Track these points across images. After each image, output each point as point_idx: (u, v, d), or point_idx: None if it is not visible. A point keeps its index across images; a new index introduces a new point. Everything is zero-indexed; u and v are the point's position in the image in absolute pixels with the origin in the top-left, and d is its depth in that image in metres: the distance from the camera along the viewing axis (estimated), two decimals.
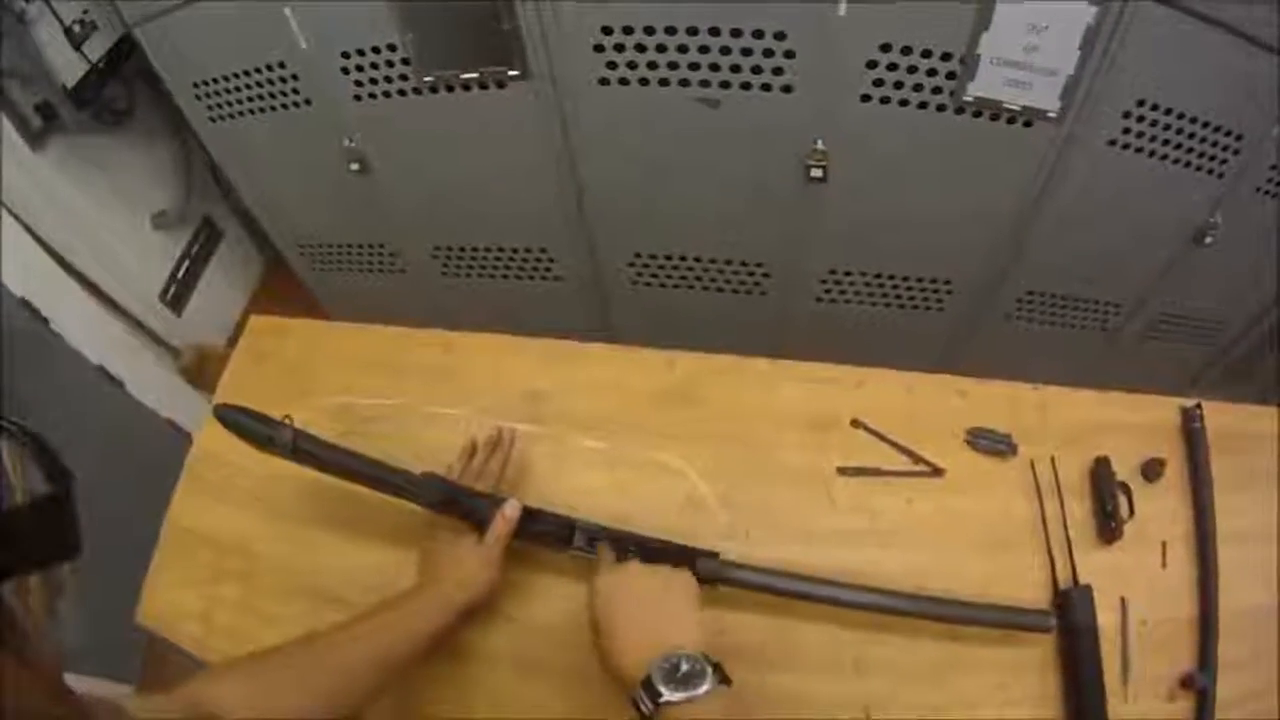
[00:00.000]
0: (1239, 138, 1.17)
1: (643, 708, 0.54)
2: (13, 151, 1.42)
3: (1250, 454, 0.88)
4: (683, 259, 1.43)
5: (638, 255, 1.44)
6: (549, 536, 0.71)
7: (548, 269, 1.51)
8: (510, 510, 0.70)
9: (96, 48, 1.44)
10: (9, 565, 0.32)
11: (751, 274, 1.43)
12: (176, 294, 1.82)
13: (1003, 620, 0.73)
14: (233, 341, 1.00)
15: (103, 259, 1.60)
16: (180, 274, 1.83)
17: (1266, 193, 1.27)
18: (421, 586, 0.71)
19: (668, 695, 0.53)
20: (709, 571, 0.70)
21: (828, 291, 1.44)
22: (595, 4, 1.03)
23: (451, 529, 0.72)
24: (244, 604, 0.80)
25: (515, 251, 1.50)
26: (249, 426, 0.68)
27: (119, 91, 1.57)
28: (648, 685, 0.54)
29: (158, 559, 0.85)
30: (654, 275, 1.47)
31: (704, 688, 0.54)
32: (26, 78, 1.38)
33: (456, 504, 0.71)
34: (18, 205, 1.40)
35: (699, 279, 1.46)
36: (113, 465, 1.18)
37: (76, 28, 1.39)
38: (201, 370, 1.74)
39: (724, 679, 0.56)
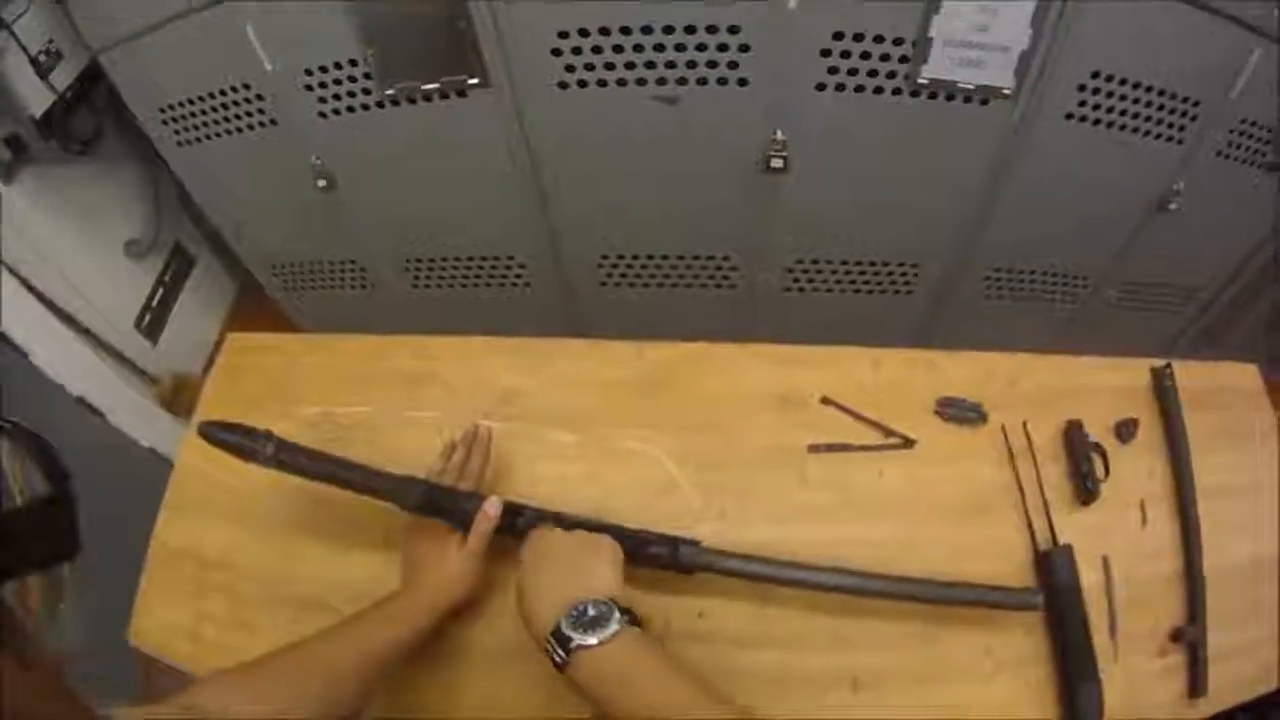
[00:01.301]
0: (1196, 104, 1.22)
1: (555, 658, 0.57)
2: None
3: (1226, 410, 0.92)
4: (650, 257, 1.46)
5: (605, 256, 1.48)
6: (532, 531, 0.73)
7: (517, 276, 1.55)
8: (491, 508, 0.72)
9: (63, 77, 1.46)
10: (9, 565, 0.34)
11: (719, 267, 1.46)
12: (152, 322, 1.84)
13: (989, 600, 0.75)
14: (209, 367, 1.03)
15: (77, 290, 1.62)
16: (154, 302, 1.86)
17: (1227, 156, 1.31)
18: (406, 588, 0.73)
19: (577, 640, 0.56)
20: (691, 558, 0.72)
21: (795, 280, 1.48)
22: (549, 7, 1.06)
23: (434, 529, 0.74)
24: (232, 617, 0.82)
25: (484, 260, 1.53)
26: (231, 440, 0.70)
27: (87, 120, 1.59)
28: (557, 634, 0.57)
29: (145, 579, 0.86)
30: (622, 275, 1.51)
31: (611, 629, 0.56)
32: None
33: (438, 505, 0.74)
34: None
35: (667, 276, 1.49)
36: (97, 497, 1.20)
37: (42, 57, 1.41)
38: (179, 398, 1.76)
39: (634, 621, 0.58)
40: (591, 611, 0.58)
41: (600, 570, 0.64)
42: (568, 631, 0.57)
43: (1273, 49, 1.16)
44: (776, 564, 0.74)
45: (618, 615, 0.57)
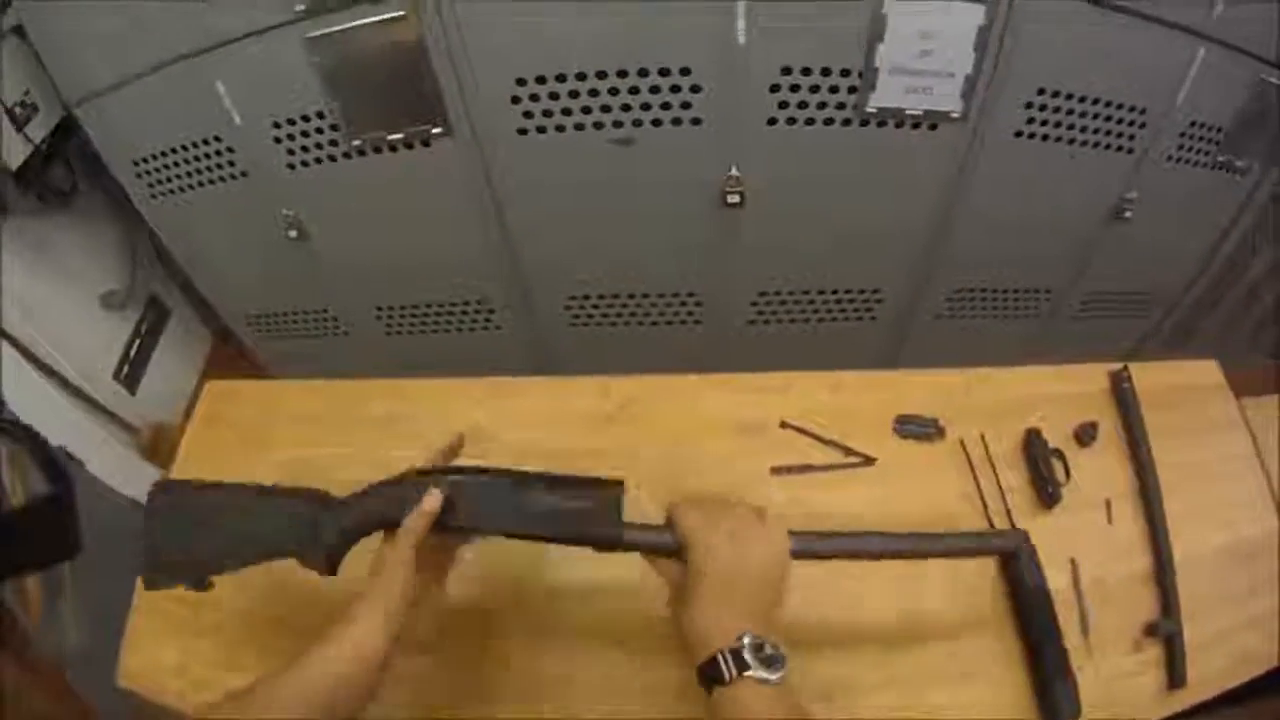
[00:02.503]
0: (1143, 111, 1.30)
1: (726, 672, 0.58)
2: None
3: (1188, 406, 0.99)
4: (615, 296, 1.53)
5: (572, 297, 1.55)
6: (473, 529, 0.70)
7: (487, 319, 1.62)
8: (429, 503, 0.67)
9: (39, 129, 1.49)
10: (9, 565, 0.36)
11: (684, 304, 1.54)
12: (130, 373, 1.88)
13: (975, 548, 0.79)
14: (188, 417, 1.08)
15: (56, 341, 1.66)
16: (132, 353, 1.90)
17: (1178, 160, 1.39)
18: (357, 600, 0.66)
19: (754, 671, 0.58)
20: (616, 505, 0.67)
21: (760, 313, 1.55)
22: (507, 55, 1.14)
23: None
24: (220, 656, 0.86)
25: (454, 305, 1.60)
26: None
27: (62, 172, 1.63)
28: (736, 655, 0.58)
29: (132, 621, 0.90)
30: (589, 315, 1.58)
31: (783, 672, 0.58)
32: None
33: (358, 531, 0.69)
34: None
35: (633, 314, 1.56)
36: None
37: (18, 109, 1.43)
38: (158, 447, 1.80)
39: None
40: (769, 650, 0.59)
41: (780, 608, 0.66)
42: (749, 660, 0.58)
43: (1215, 49, 1.23)
44: None
45: (786, 663, 0.59)
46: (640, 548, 0.69)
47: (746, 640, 0.59)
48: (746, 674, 0.58)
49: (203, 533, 0.71)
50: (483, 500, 0.70)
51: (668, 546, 0.67)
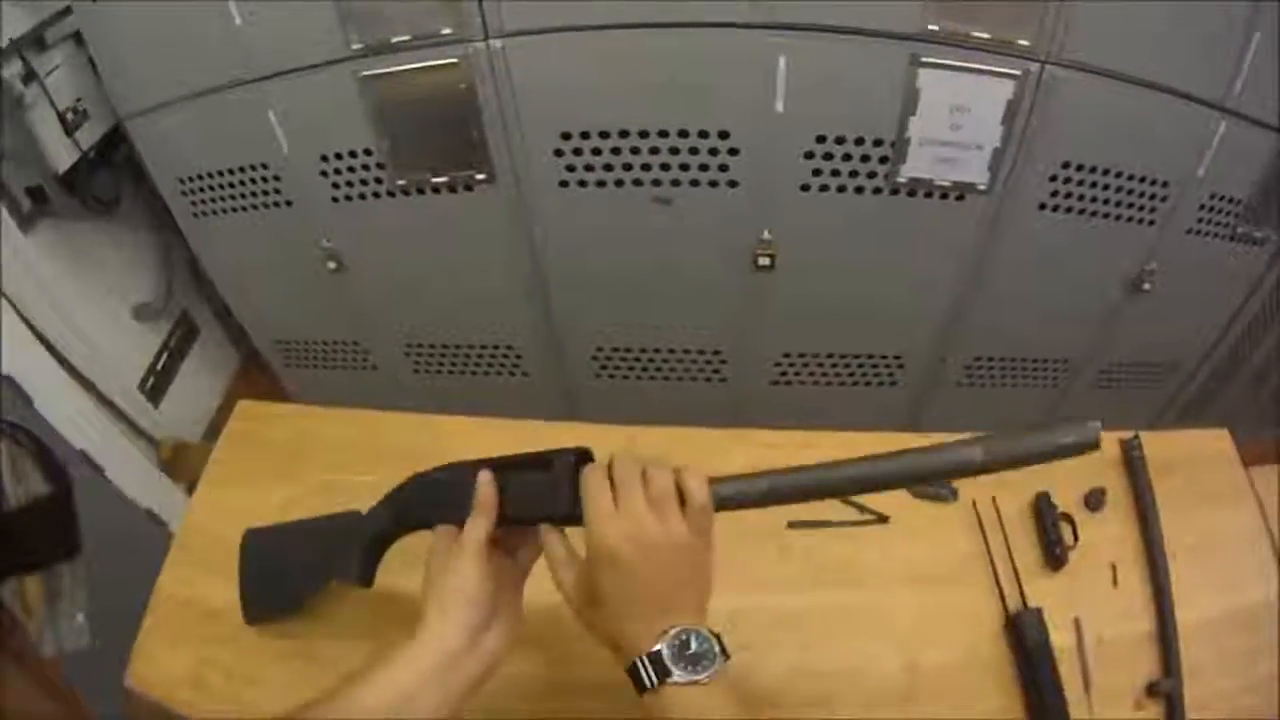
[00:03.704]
0: (1165, 185, 1.36)
1: (646, 680, 0.55)
2: (4, 232, 1.53)
3: (1197, 474, 1.03)
4: (643, 351, 1.60)
5: (600, 349, 1.61)
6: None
7: (515, 365, 1.68)
8: (484, 484, 0.63)
9: (88, 136, 1.55)
10: (9, 565, 0.38)
11: (709, 362, 1.60)
12: (154, 386, 1.94)
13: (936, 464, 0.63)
14: (208, 435, 1.13)
15: (85, 346, 1.71)
16: (158, 366, 1.97)
17: (1198, 233, 1.45)
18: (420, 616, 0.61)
19: (679, 674, 0.54)
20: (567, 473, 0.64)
21: (783, 374, 1.61)
22: (554, 108, 1.22)
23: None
24: (235, 667, 0.88)
25: (484, 348, 1.67)
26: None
27: (107, 181, 1.68)
28: (656, 661, 0.55)
29: (146, 625, 0.93)
30: (616, 368, 1.64)
31: (713, 668, 0.55)
32: (20, 160, 1.48)
33: (384, 542, 0.73)
34: (7, 285, 1.50)
35: (659, 369, 1.63)
36: (91, 550, 1.24)
37: (70, 115, 1.50)
38: (178, 463, 1.86)
39: (725, 653, 0.57)
40: (694, 646, 0.56)
41: (700, 592, 0.61)
42: (670, 664, 0.55)
43: (1236, 122, 1.30)
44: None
45: (719, 654, 0.56)
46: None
47: (663, 646, 0.55)
48: (669, 680, 0.54)
49: (283, 566, 0.81)
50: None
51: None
